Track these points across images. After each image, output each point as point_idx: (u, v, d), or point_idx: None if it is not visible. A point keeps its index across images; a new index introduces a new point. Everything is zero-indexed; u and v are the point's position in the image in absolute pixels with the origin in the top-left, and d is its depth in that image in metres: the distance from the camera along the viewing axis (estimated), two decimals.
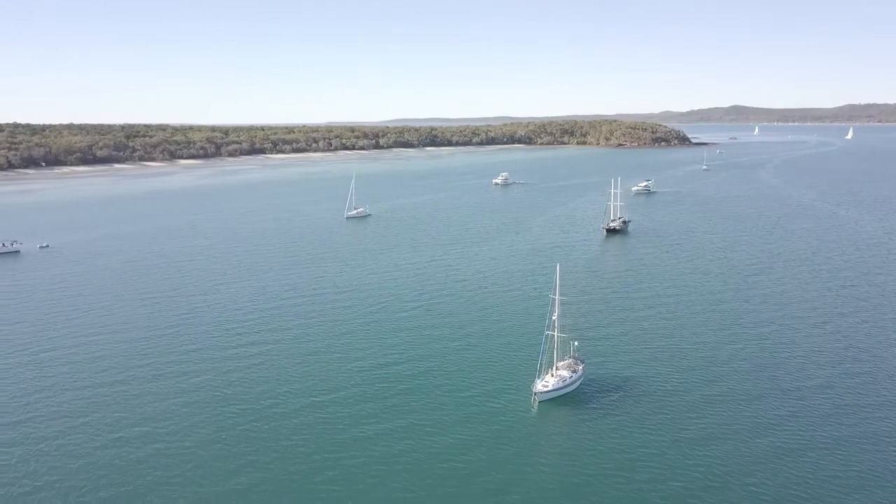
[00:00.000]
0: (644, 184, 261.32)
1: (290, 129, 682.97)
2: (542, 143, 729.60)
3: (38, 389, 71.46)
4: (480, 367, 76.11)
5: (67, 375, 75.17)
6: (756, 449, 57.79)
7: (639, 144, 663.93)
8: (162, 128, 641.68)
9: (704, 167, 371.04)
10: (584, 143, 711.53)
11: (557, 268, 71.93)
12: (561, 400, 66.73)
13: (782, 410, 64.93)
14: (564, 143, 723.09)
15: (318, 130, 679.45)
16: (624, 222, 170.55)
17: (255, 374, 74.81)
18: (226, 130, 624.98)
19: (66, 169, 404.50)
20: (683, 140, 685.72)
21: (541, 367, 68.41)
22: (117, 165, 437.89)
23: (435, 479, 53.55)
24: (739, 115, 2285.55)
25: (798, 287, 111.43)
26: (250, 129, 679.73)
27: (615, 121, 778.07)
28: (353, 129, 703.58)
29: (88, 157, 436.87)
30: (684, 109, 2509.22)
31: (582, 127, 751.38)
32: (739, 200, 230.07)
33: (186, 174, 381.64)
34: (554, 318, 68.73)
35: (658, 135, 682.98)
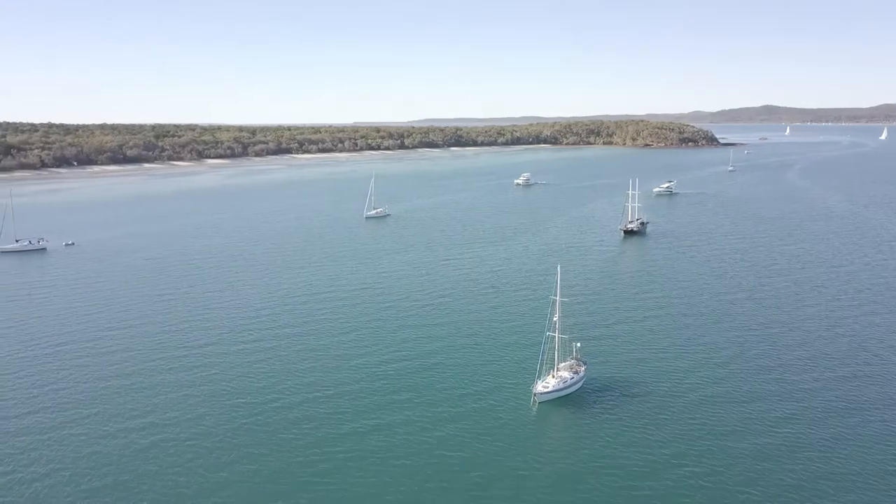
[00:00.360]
0: (666, 185, 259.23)
1: (316, 130, 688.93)
2: (567, 144, 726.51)
3: (55, 380, 73.80)
4: (483, 366, 76.76)
5: (83, 367, 77.49)
6: (759, 454, 57.60)
7: (665, 145, 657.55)
8: (191, 128, 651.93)
9: (730, 168, 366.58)
10: (611, 143, 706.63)
11: (558, 269, 72.23)
12: (561, 401, 67.06)
13: (788, 415, 64.51)
14: (590, 144, 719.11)
15: (343, 130, 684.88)
16: (642, 224, 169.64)
17: (261, 369, 76.37)
18: (253, 130, 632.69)
19: (96, 168, 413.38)
20: (711, 140, 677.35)
21: (541, 367, 68.82)
22: (146, 165, 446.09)
23: (429, 474, 54.36)
24: (771, 115, 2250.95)
25: (813, 290, 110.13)
26: (277, 129, 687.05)
27: (642, 121, 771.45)
28: (378, 130, 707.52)
29: (118, 157, 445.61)
30: (715, 109, 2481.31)
31: (608, 127, 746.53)
32: (762, 202, 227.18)
33: (213, 174, 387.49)
34: (555, 319, 69.08)
35: (685, 135, 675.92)
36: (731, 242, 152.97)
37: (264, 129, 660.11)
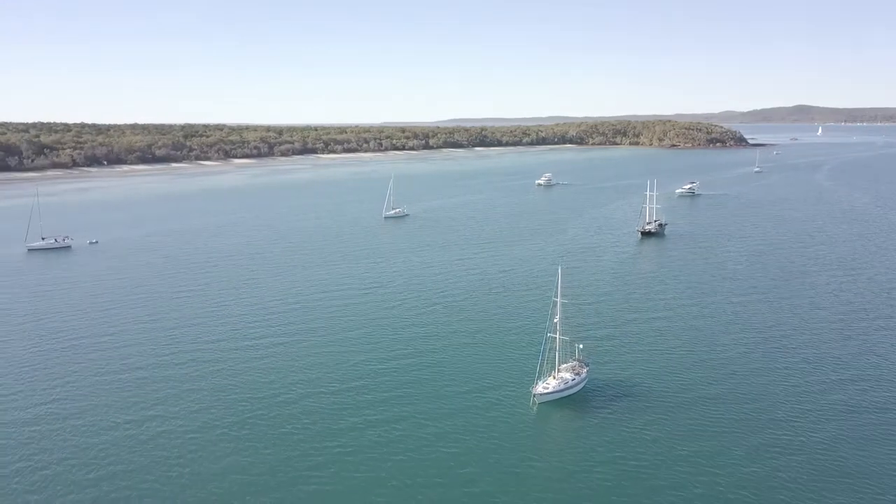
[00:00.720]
0: (688, 186, 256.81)
1: (342, 130, 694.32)
2: (593, 144, 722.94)
3: (69, 373, 75.96)
4: (487, 366, 77.21)
5: (96, 360, 79.60)
6: (755, 455, 57.32)
7: (693, 145, 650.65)
8: (219, 128, 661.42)
9: (756, 169, 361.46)
10: (637, 143, 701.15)
11: (559, 270, 72.37)
12: (561, 402, 67.22)
13: (792, 419, 64.02)
14: (616, 144, 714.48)
15: (369, 131, 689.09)
16: (660, 225, 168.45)
17: (268, 364, 77.75)
18: (280, 130, 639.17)
19: (125, 167, 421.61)
20: (740, 141, 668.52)
21: (541, 368, 69.07)
22: (174, 164, 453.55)
23: (424, 469, 55.02)
24: (804, 114, 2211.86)
25: (830, 293, 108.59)
26: (304, 129, 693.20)
27: (669, 121, 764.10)
28: (403, 130, 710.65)
29: (147, 157, 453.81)
30: (746, 109, 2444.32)
31: (635, 127, 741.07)
32: (786, 204, 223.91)
33: (238, 173, 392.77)
34: (555, 320, 69.30)
35: (713, 135, 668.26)
36: (748, 244, 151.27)
37: (291, 129, 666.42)
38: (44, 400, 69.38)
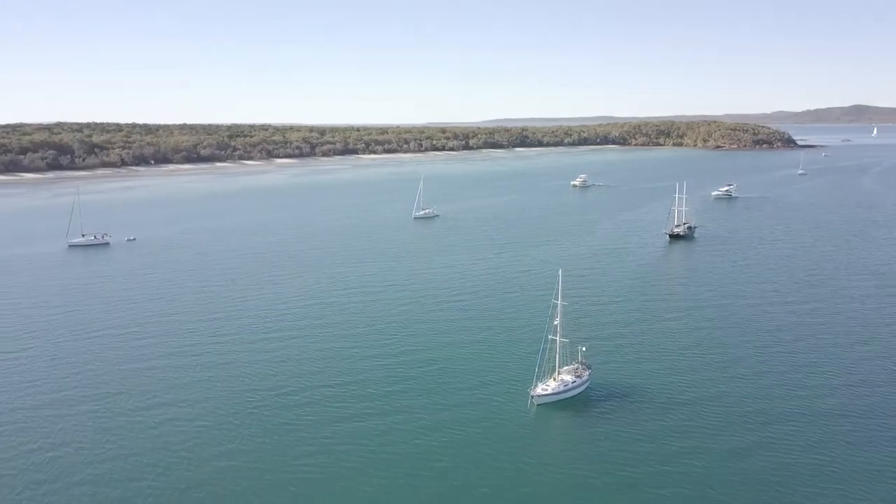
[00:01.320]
0: (725, 188, 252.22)
1: (383, 130, 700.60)
2: (636, 144, 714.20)
3: (91, 360, 79.66)
4: (492, 365, 78.11)
5: (117, 350, 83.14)
6: (765, 471, 56.99)
7: (738, 146, 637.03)
8: (264, 128, 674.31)
9: (800, 172, 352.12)
10: (681, 144, 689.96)
11: (559, 273, 72.73)
12: (560, 404, 67.63)
13: (801, 430, 63.29)
14: (660, 145, 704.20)
15: (410, 131, 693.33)
16: (689, 228, 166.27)
17: (277, 356, 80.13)
18: (322, 131, 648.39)
19: (171, 167, 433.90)
20: (788, 142, 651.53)
21: (539, 369, 69.45)
22: (218, 164, 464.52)
23: (409, 461, 56.31)
24: (860, 115, 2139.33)
25: (855, 300, 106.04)
26: (346, 129, 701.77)
27: (714, 121, 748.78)
28: (443, 131, 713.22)
29: (192, 156, 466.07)
30: (799, 109, 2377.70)
31: (679, 128, 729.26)
32: (826, 207, 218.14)
33: (279, 173, 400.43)
34: (555, 322, 69.76)
35: (760, 136, 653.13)
36: (778, 248, 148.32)
37: (333, 130, 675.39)
38: (67, 386, 73.05)
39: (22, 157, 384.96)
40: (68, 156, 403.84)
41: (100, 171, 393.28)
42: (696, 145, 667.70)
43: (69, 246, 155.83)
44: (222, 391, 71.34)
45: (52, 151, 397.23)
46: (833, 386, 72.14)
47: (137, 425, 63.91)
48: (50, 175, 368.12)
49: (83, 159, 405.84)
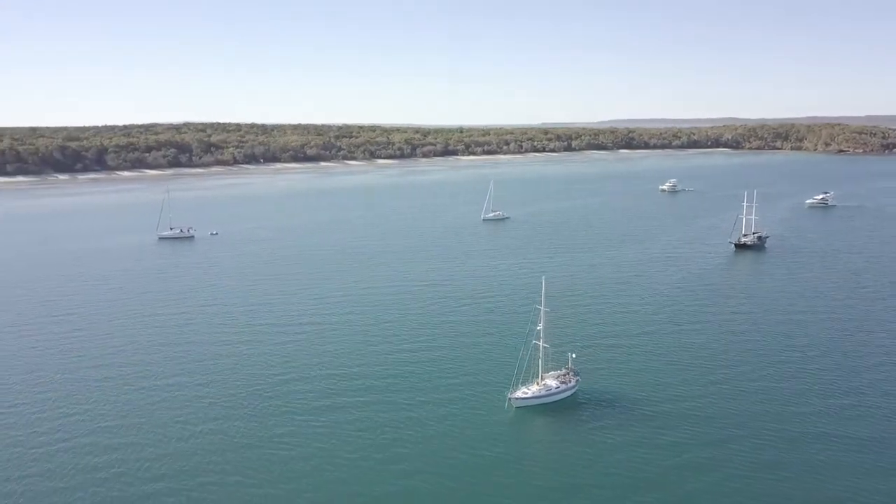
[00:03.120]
0: (821, 196, 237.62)
1: (485, 132, 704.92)
2: (749, 148, 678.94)
3: (134, 341, 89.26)
4: (495, 364, 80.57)
5: (163, 333, 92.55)
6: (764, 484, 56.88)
7: (864, 151, 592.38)
8: (372, 129, 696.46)
9: None
10: (800, 148, 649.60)
11: (543, 280, 74.11)
12: (541, 408, 68.92)
13: (798, 442, 62.12)
14: (777, 149, 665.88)
15: (511, 132, 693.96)
16: (759, 238, 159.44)
17: (275, 357, 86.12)
18: (425, 132, 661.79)
19: (278, 165, 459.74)
20: None
21: (518, 373, 70.13)
22: (323, 163, 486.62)
23: (378, 451, 60.27)
24: None
25: None
26: (448, 130, 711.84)
27: (838, 124, 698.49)
28: (546, 132, 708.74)
29: (300, 156, 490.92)
30: None
31: (799, 130, 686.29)
32: None
33: (377, 173, 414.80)
34: (538, 328, 71.39)
35: (889, 140, 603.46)
36: (855, 262, 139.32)
37: (436, 131, 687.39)
38: (104, 363, 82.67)
39: (147, 154, 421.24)
40: (187, 154, 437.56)
41: (214, 169, 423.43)
42: (816, 149, 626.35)
43: (159, 238, 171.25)
44: (218, 375, 78.40)
45: (172, 150, 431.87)
46: (840, 406, 69.36)
47: (168, 402, 71.82)
48: (169, 172, 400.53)
49: (200, 157, 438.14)
